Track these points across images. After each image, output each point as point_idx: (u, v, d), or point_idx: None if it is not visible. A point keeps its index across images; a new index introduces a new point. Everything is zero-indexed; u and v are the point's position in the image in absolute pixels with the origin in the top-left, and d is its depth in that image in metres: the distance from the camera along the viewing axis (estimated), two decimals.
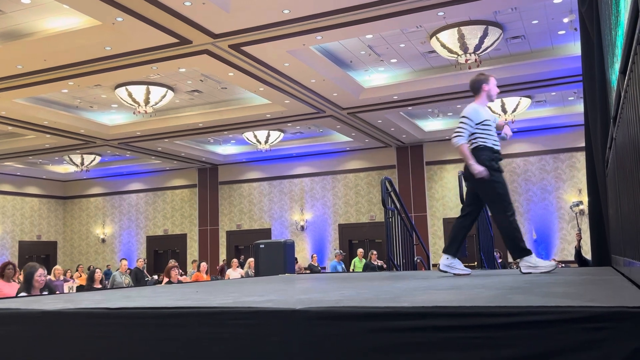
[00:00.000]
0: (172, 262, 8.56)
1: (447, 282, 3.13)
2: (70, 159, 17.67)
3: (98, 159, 17.85)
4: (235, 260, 13.96)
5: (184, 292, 3.10)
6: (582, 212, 14.79)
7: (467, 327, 1.49)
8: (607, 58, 3.83)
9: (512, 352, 1.44)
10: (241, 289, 3.11)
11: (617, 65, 2.82)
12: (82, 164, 17.70)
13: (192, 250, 19.83)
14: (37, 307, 2.16)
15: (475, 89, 4.24)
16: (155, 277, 16.00)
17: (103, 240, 21.35)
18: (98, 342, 1.93)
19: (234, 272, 12.81)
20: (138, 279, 12.47)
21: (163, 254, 20.16)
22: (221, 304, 1.91)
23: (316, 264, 15.30)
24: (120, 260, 11.87)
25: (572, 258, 14.63)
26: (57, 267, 11.21)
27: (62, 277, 11.11)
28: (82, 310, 2.03)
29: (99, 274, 9.16)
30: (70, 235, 22.15)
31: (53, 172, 20.62)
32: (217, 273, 14.98)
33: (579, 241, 8.27)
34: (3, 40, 9.38)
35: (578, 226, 11.15)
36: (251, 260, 12.00)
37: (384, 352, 1.56)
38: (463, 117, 4.11)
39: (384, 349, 1.56)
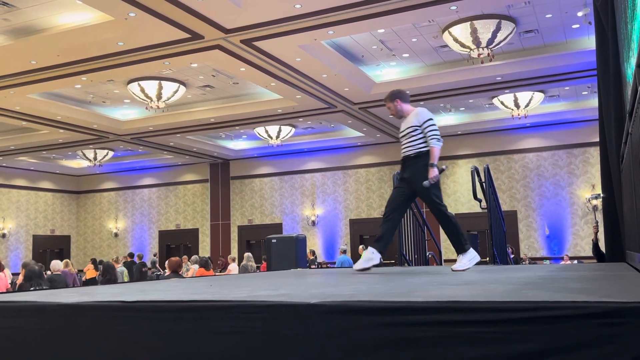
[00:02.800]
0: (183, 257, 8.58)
1: (460, 278, 3.12)
2: (83, 154, 17.81)
3: (111, 154, 17.97)
4: (231, 256, 14.05)
5: (197, 286, 3.12)
6: (595, 207, 14.68)
7: (481, 322, 1.49)
8: (622, 52, 3.79)
9: (526, 347, 1.44)
10: (254, 284, 3.12)
11: (633, 59, 2.79)
12: (95, 158, 17.82)
13: (204, 245, 19.93)
14: (54, 300, 2.19)
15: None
16: (168, 271, 16.11)
17: (116, 235, 21.51)
18: (113, 335, 1.95)
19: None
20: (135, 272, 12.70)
21: (175, 248, 20.29)
22: (236, 298, 1.93)
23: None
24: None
25: (585, 254, 14.56)
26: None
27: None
28: (98, 303, 2.05)
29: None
30: (83, 230, 22.34)
31: (66, 167, 20.78)
32: (220, 267, 15.08)
33: (596, 234, 8.12)
34: (17, 36, 9.46)
35: (595, 219, 10.97)
36: (248, 254, 12.08)
37: (398, 346, 1.57)
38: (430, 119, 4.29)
39: (398, 343, 1.57)
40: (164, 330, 1.86)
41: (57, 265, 9.38)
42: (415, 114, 4.31)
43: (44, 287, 5.12)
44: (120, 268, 11.17)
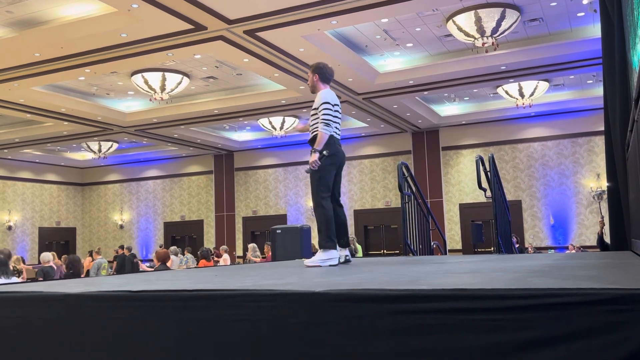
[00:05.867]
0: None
1: (465, 266, 3.12)
2: (88, 146, 17.83)
3: (115, 145, 17.99)
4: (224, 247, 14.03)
5: (203, 276, 3.13)
6: (601, 196, 14.64)
7: (487, 309, 1.49)
8: (628, 39, 3.76)
9: (534, 334, 1.43)
10: (260, 273, 3.13)
11: (639, 46, 2.77)
12: (100, 151, 17.85)
13: (209, 236, 19.98)
14: (60, 290, 2.20)
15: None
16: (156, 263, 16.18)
17: (121, 227, 21.58)
18: (120, 324, 1.96)
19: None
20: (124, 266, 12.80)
21: (180, 239, 20.35)
22: (241, 287, 1.93)
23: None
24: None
25: (590, 243, 14.55)
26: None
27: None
28: (103, 293, 2.06)
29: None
30: (88, 222, 22.42)
31: (71, 159, 20.83)
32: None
33: (602, 228, 8.28)
34: (20, 28, 9.45)
35: (601, 214, 11.17)
36: (253, 245, 12.10)
37: (404, 334, 1.57)
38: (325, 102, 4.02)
39: (404, 331, 1.57)
40: (169, 320, 1.87)
41: (46, 257, 9.35)
42: (317, 97, 4.10)
43: (10, 277, 5.15)
44: (98, 260, 10.98)
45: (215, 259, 13.27)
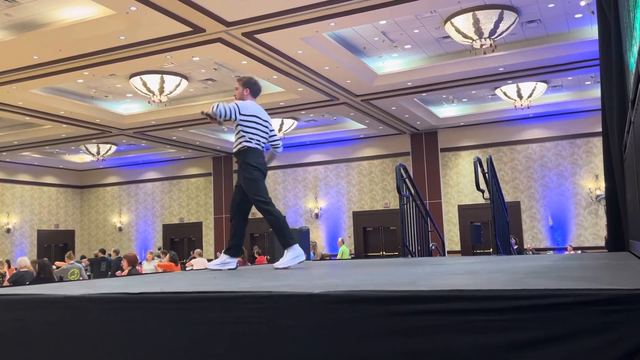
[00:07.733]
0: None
1: (463, 267, 3.13)
2: (87, 149, 17.83)
3: (114, 148, 18.00)
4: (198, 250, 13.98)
5: (202, 278, 3.14)
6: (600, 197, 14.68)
7: (484, 310, 1.50)
8: (625, 40, 3.77)
9: (530, 334, 1.44)
10: (258, 275, 3.14)
11: (635, 48, 2.79)
12: (98, 153, 17.86)
13: (208, 238, 19.97)
14: (60, 293, 2.20)
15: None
16: (125, 268, 16.12)
17: (120, 229, 21.57)
18: (119, 326, 1.96)
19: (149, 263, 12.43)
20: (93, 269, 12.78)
21: (179, 242, 20.34)
22: (240, 289, 1.94)
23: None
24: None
25: (589, 244, 14.63)
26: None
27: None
28: (103, 295, 2.07)
29: None
30: (87, 224, 22.41)
31: (70, 162, 20.82)
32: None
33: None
34: (19, 31, 9.46)
35: (607, 217, 11.43)
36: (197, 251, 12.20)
37: (402, 335, 1.58)
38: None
39: (402, 332, 1.58)
40: (169, 322, 1.88)
41: (23, 262, 9.23)
42: None
43: None
44: (66, 266, 10.74)
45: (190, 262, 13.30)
